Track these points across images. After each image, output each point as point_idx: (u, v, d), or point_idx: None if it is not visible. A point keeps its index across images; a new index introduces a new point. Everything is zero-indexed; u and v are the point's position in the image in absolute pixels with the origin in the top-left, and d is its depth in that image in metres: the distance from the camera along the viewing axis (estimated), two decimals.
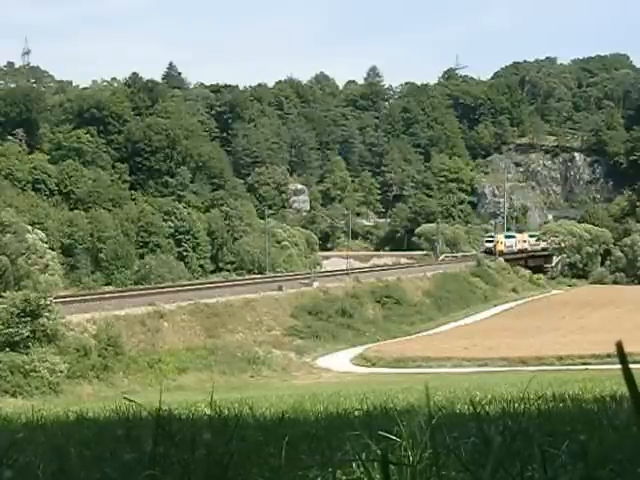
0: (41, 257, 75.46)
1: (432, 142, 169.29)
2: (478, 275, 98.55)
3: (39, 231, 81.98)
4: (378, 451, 3.10)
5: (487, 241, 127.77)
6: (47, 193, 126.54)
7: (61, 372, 40.77)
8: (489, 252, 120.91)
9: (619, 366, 1.80)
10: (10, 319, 42.95)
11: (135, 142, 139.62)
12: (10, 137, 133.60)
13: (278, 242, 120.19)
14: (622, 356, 1.73)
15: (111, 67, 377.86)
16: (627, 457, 3.16)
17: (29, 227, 79.74)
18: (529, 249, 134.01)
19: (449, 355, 53.91)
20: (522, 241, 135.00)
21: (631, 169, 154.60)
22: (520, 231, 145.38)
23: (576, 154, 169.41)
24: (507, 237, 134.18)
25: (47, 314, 43.74)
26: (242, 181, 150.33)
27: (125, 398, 5.49)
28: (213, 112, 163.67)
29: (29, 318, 42.93)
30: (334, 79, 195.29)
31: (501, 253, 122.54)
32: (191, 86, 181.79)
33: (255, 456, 3.66)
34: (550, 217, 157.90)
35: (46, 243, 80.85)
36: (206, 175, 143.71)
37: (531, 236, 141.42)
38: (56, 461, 3.86)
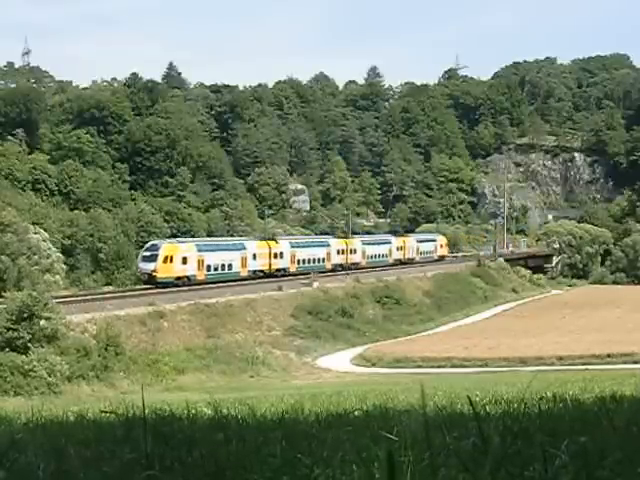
0: (41, 258, 75.43)
1: (432, 142, 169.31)
2: (478, 275, 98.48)
3: (42, 230, 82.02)
4: (378, 451, 3.10)
5: (145, 258, 66.79)
6: (47, 193, 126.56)
7: (61, 373, 40.74)
8: (148, 281, 65.26)
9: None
10: (10, 320, 42.91)
11: (135, 142, 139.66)
12: (10, 137, 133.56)
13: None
14: None
15: (111, 67, 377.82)
16: (627, 457, 3.16)
17: (32, 227, 79.70)
18: (418, 259, 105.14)
19: (449, 355, 53.90)
20: (398, 248, 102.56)
21: (631, 169, 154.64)
22: (407, 232, 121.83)
23: (576, 154, 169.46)
24: (368, 244, 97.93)
25: (47, 314, 43.69)
26: (242, 181, 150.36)
27: (102, 411, 5.45)
28: (213, 112, 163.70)
29: (28, 320, 42.87)
30: (334, 79, 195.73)
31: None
32: (191, 86, 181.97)
33: (255, 456, 3.65)
34: (550, 217, 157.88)
35: (51, 243, 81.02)
36: (206, 175, 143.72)
37: (426, 240, 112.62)
38: (56, 461, 3.86)
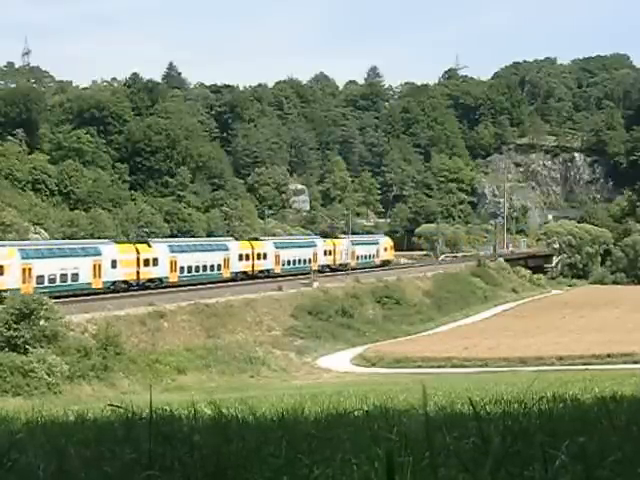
0: None
1: (432, 142, 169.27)
2: (478, 275, 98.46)
3: (42, 230, 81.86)
4: (378, 451, 3.10)
5: None
6: (47, 193, 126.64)
7: (61, 373, 40.78)
8: None
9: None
10: (10, 320, 42.96)
11: (135, 142, 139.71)
12: (10, 137, 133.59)
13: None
14: None
15: (111, 67, 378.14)
16: (627, 457, 3.16)
17: (33, 227, 79.49)
18: (354, 264, 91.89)
19: (449, 355, 53.90)
20: (326, 252, 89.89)
21: (631, 169, 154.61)
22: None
23: (576, 154, 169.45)
24: (284, 247, 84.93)
25: (47, 314, 43.73)
26: (242, 181, 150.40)
27: (110, 405, 5.48)
28: (213, 112, 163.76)
29: (28, 321, 42.90)
30: (334, 79, 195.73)
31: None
32: (191, 86, 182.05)
33: (255, 456, 3.65)
34: (550, 217, 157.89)
35: None
36: (206, 175, 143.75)
37: (366, 243, 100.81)
38: (56, 461, 3.86)
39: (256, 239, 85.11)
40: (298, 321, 63.73)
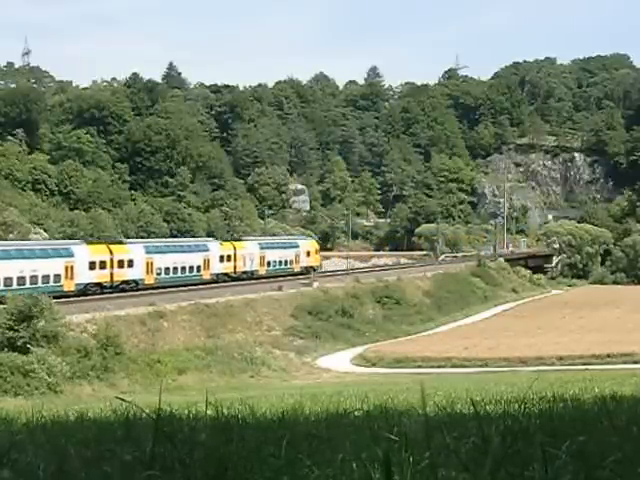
0: None
1: (432, 142, 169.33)
2: (478, 275, 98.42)
3: (42, 231, 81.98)
4: (379, 451, 3.10)
5: None
6: (47, 193, 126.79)
7: (61, 373, 40.79)
8: None
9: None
10: (10, 320, 42.98)
11: (135, 142, 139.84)
12: (10, 137, 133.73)
13: None
14: None
15: (111, 67, 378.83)
16: (627, 457, 3.17)
17: (33, 227, 79.58)
18: (263, 272, 78.40)
19: (449, 355, 53.89)
20: (224, 258, 74.03)
21: (631, 169, 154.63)
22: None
23: (576, 154, 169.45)
24: (162, 252, 68.62)
25: (47, 314, 43.74)
26: (242, 181, 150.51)
27: (118, 398, 5.50)
28: (213, 112, 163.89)
29: (28, 321, 42.93)
30: (334, 79, 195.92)
31: None
32: (191, 86, 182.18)
33: (255, 456, 3.65)
34: (550, 217, 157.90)
35: None
36: (206, 175, 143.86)
37: (280, 246, 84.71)
38: (56, 461, 3.86)
39: (120, 242, 70.75)
40: (298, 321, 63.72)
